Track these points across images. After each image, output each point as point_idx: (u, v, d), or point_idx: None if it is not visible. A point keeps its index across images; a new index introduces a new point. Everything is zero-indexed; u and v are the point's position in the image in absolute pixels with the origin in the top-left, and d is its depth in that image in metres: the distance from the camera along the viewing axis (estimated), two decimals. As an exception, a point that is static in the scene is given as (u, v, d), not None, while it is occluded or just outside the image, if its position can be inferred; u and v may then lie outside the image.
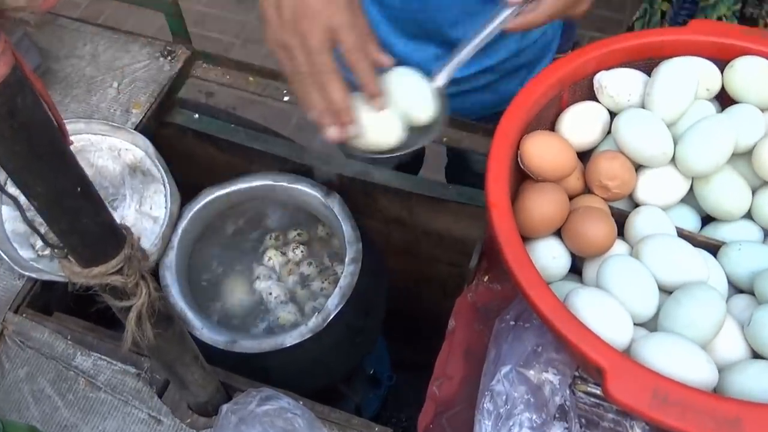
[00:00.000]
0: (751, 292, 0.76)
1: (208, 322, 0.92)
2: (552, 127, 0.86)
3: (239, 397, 0.76)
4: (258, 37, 2.56)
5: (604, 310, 0.69)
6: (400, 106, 0.74)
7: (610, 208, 0.82)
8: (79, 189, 0.46)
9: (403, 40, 1.01)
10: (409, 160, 1.39)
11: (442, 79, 0.78)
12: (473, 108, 1.06)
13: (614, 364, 0.63)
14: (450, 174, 1.43)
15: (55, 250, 0.51)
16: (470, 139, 1.03)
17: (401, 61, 1.01)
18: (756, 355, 0.71)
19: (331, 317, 0.90)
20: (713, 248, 0.80)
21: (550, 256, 0.78)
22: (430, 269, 1.23)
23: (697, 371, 0.65)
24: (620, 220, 0.82)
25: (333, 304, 0.91)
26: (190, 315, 0.91)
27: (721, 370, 0.70)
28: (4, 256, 0.89)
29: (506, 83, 1.00)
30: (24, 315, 0.88)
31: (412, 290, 1.31)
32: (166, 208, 0.96)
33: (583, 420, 0.78)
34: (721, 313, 0.69)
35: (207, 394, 0.78)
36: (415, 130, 0.75)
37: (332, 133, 0.69)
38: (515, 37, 1.02)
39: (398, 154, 0.74)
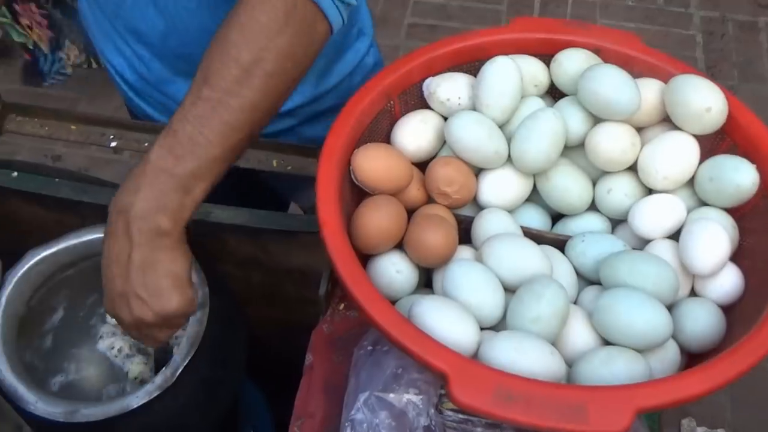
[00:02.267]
0: (600, 283, 0.83)
1: (43, 394, 0.92)
2: (388, 139, 0.92)
3: (70, 464, 0.77)
4: (107, 92, 2.57)
5: (447, 317, 0.75)
6: None
7: (456, 215, 0.89)
8: None
9: (179, 78, 1.06)
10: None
11: None
12: None
13: (456, 368, 0.69)
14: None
15: None
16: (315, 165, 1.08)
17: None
18: (607, 343, 0.78)
19: (180, 370, 0.92)
20: (562, 244, 0.87)
21: (394, 271, 0.83)
22: (302, 312, 1.25)
23: (542, 364, 0.72)
24: (467, 227, 0.88)
25: (181, 355, 0.93)
26: (22, 389, 0.91)
27: (574, 361, 0.77)
28: None
29: (309, 128, 1.05)
30: None
31: (287, 339, 1.33)
32: (-16, 276, 0.96)
33: (451, 438, 0.83)
34: (562, 304, 0.76)
35: (40, 471, 0.78)
36: None
37: None
38: (311, 82, 1.10)
39: None
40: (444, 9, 2.80)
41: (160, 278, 0.76)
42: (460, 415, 0.83)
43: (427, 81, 0.92)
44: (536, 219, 0.92)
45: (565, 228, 0.91)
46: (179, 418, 0.96)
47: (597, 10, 2.73)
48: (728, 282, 0.81)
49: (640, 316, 0.75)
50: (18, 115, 1.12)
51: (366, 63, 1.16)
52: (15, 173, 1.09)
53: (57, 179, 1.09)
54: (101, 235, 1.03)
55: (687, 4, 2.75)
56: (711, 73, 2.51)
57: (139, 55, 1.05)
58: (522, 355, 0.72)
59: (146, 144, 1.10)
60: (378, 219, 0.82)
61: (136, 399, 0.91)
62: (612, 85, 0.85)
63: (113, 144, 1.09)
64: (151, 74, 1.07)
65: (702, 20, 2.69)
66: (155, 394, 0.91)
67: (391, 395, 0.82)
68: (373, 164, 0.84)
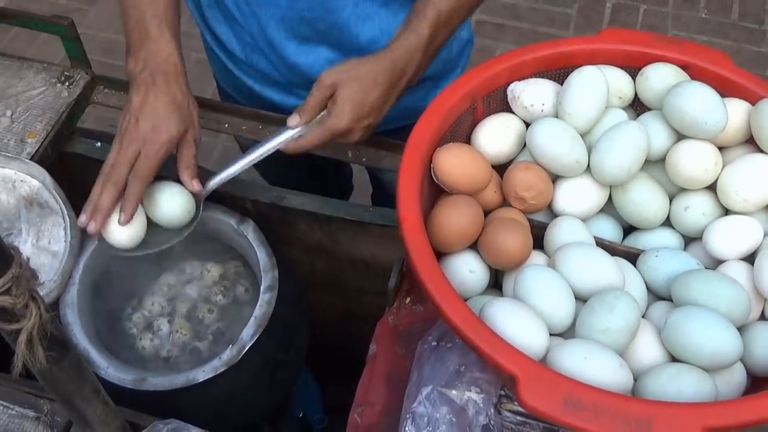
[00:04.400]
0: (670, 299, 0.83)
1: (114, 360, 0.95)
2: (468, 139, 0.93)
3: (145, 431, 0.80)
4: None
5: (519, 320, 0.76)
6: (159, 215, 0.96)
7: (530, 220, 0.90)
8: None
9: (293, 42, 1.09)
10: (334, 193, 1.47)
11: (205, 190, 0.99)
12: None
13: (527, 371, 0.70)
14: (375, 201, 1.51)
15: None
16: (390, 159, 1.09)
17: (293, 66, 1.10)
18: (674, 359, 0.78)
19: (247, 349, 0.95)
20: (633, 257, 0.88)
21: (467, 270, 0.85)
22: (360, 302, 1.28)
23: (611, 375, 0.72)
24: (539, 232, 0.89)
25: (248, 334, 0.96)
26: (94, 354, 0.95)
27: (640, 375, 0.77)
28: None
29: (409, 96, 1.08)
30: None
31: (342, 326, 1.35)
32: (65, 241, 1.00)
33: (509, 439, 0.84)
34: (634, 317, 0.76)
35: (112, 433, 0.81)
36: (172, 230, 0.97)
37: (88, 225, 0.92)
38: None
39: (151, 251, 0.96)
40: (513, 8, 2.79)
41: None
42: (519, 417, 0.85)
43: (512, 85, 0.93)
44: (608, 230, 0.92)
45: (637, 241, 0.92)
46: (242, 395, 0.99)
47: (669, 21, 2.70)
48: (802, 309, 0.81)
49: (711, 336, 0.75)
50: (106, 87, 1.15)
51: (462, 36, 1.22)
52: (98, 143, 1.13)
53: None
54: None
55: (761, 20, 2.71)
56: (782, 93, 2.47)
57: (258, 16, 1.08)
58: (591, 365, 0.73)
59: (226, 125, 1.13)
60: (456, 218, 0.83)
61: (203, 373, 0.94)
62: (700, 103, 0.85)
63: (194, 123, 1.12)
64: (263, 37, 1.10)
65: (776, 38, 2.65)
66: (221, 370, 0.94)
67: (453, 392, 0.84)
68: (454, 164, 0.86)
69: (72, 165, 1.14)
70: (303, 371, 1.38)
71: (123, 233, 0.92)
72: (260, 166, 1.51)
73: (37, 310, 0.59)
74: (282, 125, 1.12)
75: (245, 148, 1.44)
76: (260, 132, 1.12)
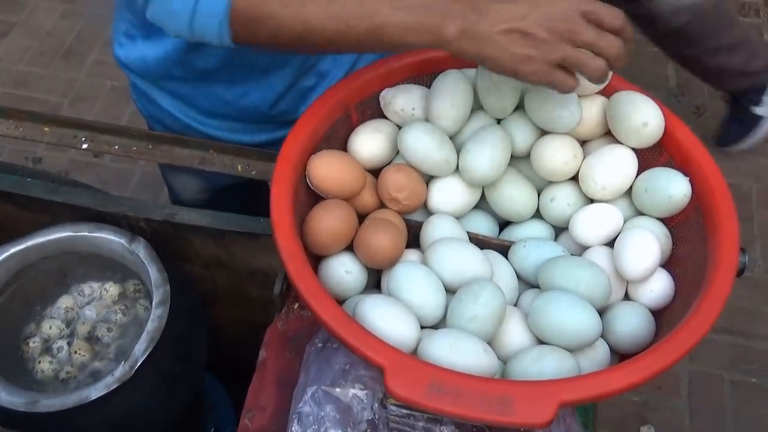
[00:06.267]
0: (539, 286, 0.87)
1: (7, 385, 0.95)
2: (345, 146, 0.96)
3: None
4: (88, 94, 2.60)
5: (389, 315, 0.79)
6: None
7: (407, 220, 0.93)
8: None
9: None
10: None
11: None
12: None
13: (393, 362, 0.73)
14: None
15: None
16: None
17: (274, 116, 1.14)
18: (541, 342, 0.82)
19: (139, 364, 0.96)
20: (506, 249, 0.92)
21: (344, 271, 0.87)
22: (266, 314, 1.28)
23: (475, 360, 0.76)
24: (416, 231, 0.93)
25: (140, 349, 0.96)
26: (-14, 381, 0.95)
27: (510, 359, 0.81)
28: None
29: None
30: None
31: (252, 339, 1.36)
32: (-47, 270, 1.00)
33: (394, 432, 0.86)
34: (498, 305, 0.80)
35: (-1, 455, 0.82)
36: None
37: None
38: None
39: None
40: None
41: None
42: (403, 410, 0.87)
43: (384, 92, 0.96)
44: (485, 225, 0.96)
45: (511, 234, 0.95)
46: (139, 410, 0.99)
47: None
48: (658, 287, 0.85)
49: (570, 317, 0.79)
50: (-9, 114, 1.15)
51: None
52: (-16, 171, 1.13)
53: (29, 179, 1.13)
54: (69, 233, 1.08)
55: (662, 23, 2.81)
56: (681, 91, 2.56)
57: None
58: (456, 352, 0.76)
59: (116, 147, 1.14)
60: (329, 222, 0.86)
61: (95, 391, 0.94)
62: (555, 100, 0.89)
63: (84, 146, 1.13)
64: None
65: (675, 39, 2.74)
66: (114, 387, 0.95)
67: (338, 390, 0.86)
68: (327, 170, 0.89)
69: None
70: (216, 388, 1.38)
71: None
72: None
73: None
74: (173, 144, 1.14)
75: (166, 173, 1.42)
76: (150, 152, 1.13)
